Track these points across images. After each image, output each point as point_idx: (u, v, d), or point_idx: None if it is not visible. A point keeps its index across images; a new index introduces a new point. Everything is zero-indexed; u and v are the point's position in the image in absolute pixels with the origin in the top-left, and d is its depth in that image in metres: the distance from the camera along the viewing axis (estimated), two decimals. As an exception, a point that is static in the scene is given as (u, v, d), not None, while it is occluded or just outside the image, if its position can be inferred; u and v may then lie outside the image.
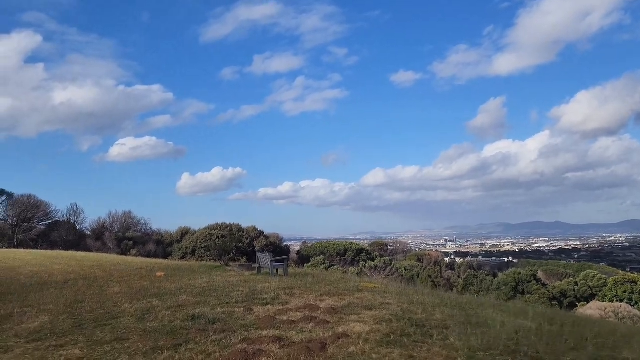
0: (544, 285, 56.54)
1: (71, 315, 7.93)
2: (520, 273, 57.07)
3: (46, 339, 6.16)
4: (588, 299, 51.34)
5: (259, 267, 15.94)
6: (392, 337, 5.71)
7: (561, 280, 59.01)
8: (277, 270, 14.75)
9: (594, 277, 54.29)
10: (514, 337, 5.64)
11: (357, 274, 41.40)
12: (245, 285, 11.77)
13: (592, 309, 40.33)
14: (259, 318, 7.07)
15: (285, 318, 7.04)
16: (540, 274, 58.70)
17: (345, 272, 42.15)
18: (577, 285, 53.60)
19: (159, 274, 15.45)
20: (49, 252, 29.32)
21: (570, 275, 60.65)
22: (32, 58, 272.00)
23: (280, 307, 8.03)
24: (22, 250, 31.64)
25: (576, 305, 50.04)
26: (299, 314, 7.33)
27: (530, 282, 55.92)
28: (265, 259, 15.30)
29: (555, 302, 51.55)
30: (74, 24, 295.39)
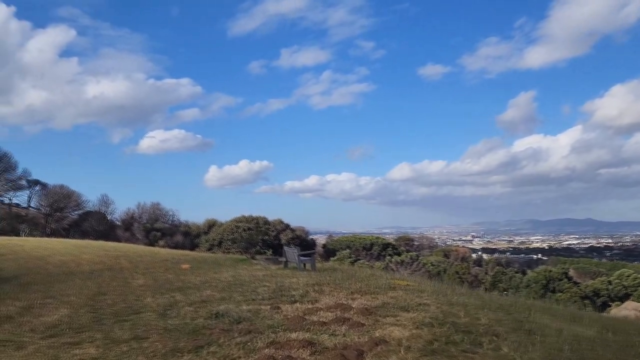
0: (575, 283, 54.72)
1: (92, 309, 7.60)
2: (551, 271, 55.38)
3: (62, 335, 5.77)
4: (622, 298, 49.35)
5: (286, 261, 15.48)
6: (436, 344, 5.10)
7: (593, 279, 56.99)
8: (304, 265, 14.26)
9: (629, 276, 52.15)
10: (577, 349, 4.95)
11: (383, 268, 40.73)
12: (272, 280, 11.33)
13: (627, 309, 38.67)
14: (287, 318, 6.55)
15: (315, 318, 6.49)
16: (571, 272, 56.73)
17: (372, 266, 41.56)
18: (611, 284, 51.59)
19: (184, 266, 15.18)
20: (80, 242, 29.56)
21: (603, 274, 58.48)
22: (66, 52, 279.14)
23: (310, 306, 7.49)
24: (53, 239, 32.00)
25: (609, 305, 48.23)
26: (329, 314, 6.77)
27: (562, 280, 54.17)
28: (292, 253, 14.81)
29: (587, 301, 49.82)
30: (106, 19, 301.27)
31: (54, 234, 43.34)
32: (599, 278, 55.10)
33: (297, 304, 7.68)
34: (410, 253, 53.64)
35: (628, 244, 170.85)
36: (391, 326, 5.92)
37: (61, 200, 47.69)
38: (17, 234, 38.78)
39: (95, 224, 45.77)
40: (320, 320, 6.33)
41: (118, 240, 39.34)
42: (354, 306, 7.31)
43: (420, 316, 6.51)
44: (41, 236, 38.97)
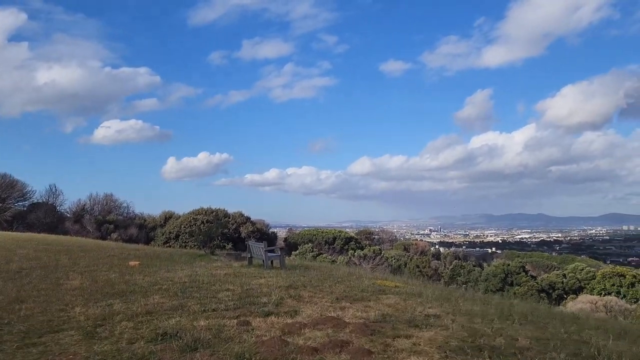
0: (532, 277, 55.73)
1: (-4, 325, 5.66)
2: (509, 265, 56.15)
3: None
4: (576, 291, 50.51)
5: (250, 257, 13.70)
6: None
7: (546, 272, 58.16)
8: (271, 262, 12.54)
9: (582, 269, 53.44)
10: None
11: (346, 263, 39.66)
12: (236, 281, 9.53)
13: (582, 302, 39.25)
14: (261, 340, 4.80)
15: (300, 341, 4.78)
16: (527, 266, 57.66)
17: (334, 261, 40.40)
18: (566, 277, 52.74)
19: (132, 263, 13.15)
20: (21, 235, 26.94)
21: (555, 267, 59.80)
22: (16, 36, 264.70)
23: (289, 320, 5.75)
24: (-12, 232, 29.12)
25: (564, 298, 49.21)
26: (318, 333, 5.06)
27: (520, 273, 55.07)
28: (258, 248, 13.02)
29: (543, 294, 50.76)
30: (59, 3, 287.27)
31: (-5, 226, 40.07)
32: (554, 272, 56.28)
33: (272, 317, 5.92)
34: (373, 247, 52.91)
35: (576, 238, 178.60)
36: (410, 355, 4.32)
37: (3, 190, 44.15)
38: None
39: (42, 216, 42.53)
40: (309, 344, 4.59)
41: (67, 233, 36.95)
42: (347, 320, 5.64)
43: (440, 336, 4.96)
44: (-19, 229, 35.87)
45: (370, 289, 8.43)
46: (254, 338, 4.88)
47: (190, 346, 4.52)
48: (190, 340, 4.64)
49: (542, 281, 53.85)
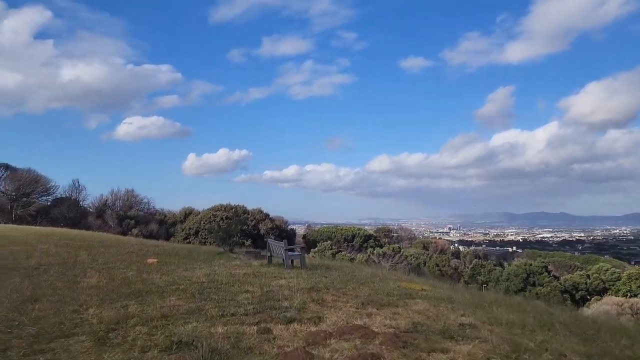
0: (555, 277, 54.47)
1: (5, 327, 5.40)
2: (531, 264, 55.03)
3: None
4: (601, 292, 49.28)
5: (270, 256, 13.36)
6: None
7: (569, 273, 56.84)
8: (292, 261, 12.17)
9: (606, 270, 52.08)
10: None
11: (365, 261, 39.24)
12: (256, 281, 9.18)
13: (607, 304, 38.10)
14: (283, 352, 4.39)
15: (327, 355, 4.36)
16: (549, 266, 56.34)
17: (353, 259, 39.99)
18: (590, 278, 51.52)
19: (150, 260, 12.95)
20: (43, 229, 27.30)
21: (578, 268, 58.44)
22: (41, 34, 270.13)
23: (313, 328, 5.35)
24: (12, 226, 29.66)
25: (588, 299, 47.95)
26: (345, 345, 4.62)
27: (542, 274, 53.97)
28: (278, 247, 12.66)
29: (567, 295, 49.54)
30: (84, 1, 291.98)
31: (19, 220, 40.89)
32: (578, 272, 54.98)
33: (295, 324, 5.52)
34: (393, 245, 52.39)
35: (599, 237, 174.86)
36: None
37: (28, 184, 45.00)
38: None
39: (66, 211, 43.17)
40: (335, 359, 4.23)
41: (89, 228, 37.37)
42: (375, 329, 5.20)
43: (479, 350, 4.50)
44: (6, 222, 36.46)
45: (396, 293, 8.02)
46: (275, 349, 4.49)
47: (207, 358, 4.16)
48: (206, 351, 4.28)
49: (565, 282, 52.65)
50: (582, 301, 47.01)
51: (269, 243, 13.61)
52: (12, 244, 16.37)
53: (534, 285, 51.48)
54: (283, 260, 12.26)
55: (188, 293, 7.80)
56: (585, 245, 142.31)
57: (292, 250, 12.95)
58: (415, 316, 6.13)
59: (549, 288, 50.68)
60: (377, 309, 6.67)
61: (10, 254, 13.30)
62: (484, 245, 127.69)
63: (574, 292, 50.81)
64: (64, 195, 47.37)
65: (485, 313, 6.39)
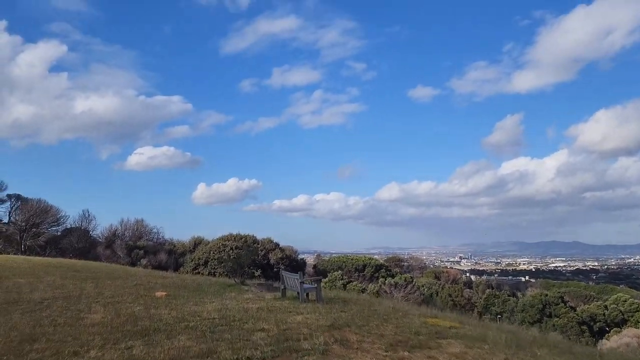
0: (572, 308, 53.21)
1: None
2: (547, 295, 53.90)
3: None
4: (619, 324, 48.01)
5: (284, 289, 13.12)
6: None
7: (585, 303, 55.54)
8: (307, 294, 11.92)
9: (625, 301, 50.88)
10: None
11: (377, 291, 38.59)
12: (271, 317, 8.86)
13: (628, 336, 36.97)
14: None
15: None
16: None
17: (364, 289, 39.34)
18: (607, 309, 50.33)
19: (158, 293, 12.74)
20: (50, 260, 27.11)
21: (594, 298, 57.15)
22: (56, 67, 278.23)
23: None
24: (20, 257, 29.54)
25: (607, 331, 46.61)
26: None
27: (558, 304, 52.84)
28: (293, 280, 12.42)
29: (584, 327, 48.22)
30: (98, 35, 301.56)
31: (29, 251, 40.79)
32: (595, 303, 53.74)
33: (319, 374, 5.18)
34: (405, 275, 51.63)
35: (613, 267, 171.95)
36: None
37: (38, 215, 45.08)
38: (-11, 251, 36.24)
39: (75, 241, 43.09)
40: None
41: (98, 258, 37.17)
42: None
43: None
44: (15, 253, 36.37)
45: (425, 331, 7.66)
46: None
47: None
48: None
49: (582, 313, 51.38)
50: (601, 333, 45.78)
51: (282, 275, 13.37)
52: (18, 275, 16.30)
53: (550, 316, 50.24)
54: (298, 293, 12.02)
55: (198, 331, 7.46)
56: (600, 274, 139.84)
57: (305, 282, 12.71)
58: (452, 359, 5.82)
59: (566, 319, 49.43)
60: (409, 352, 6.19)
61: (14, 287, 13.21)
62: (496, 275, 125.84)
63: (591, 323, 49.51)
64: (73, 226, 47.42)
65: (528, 356, 6.02)
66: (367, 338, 7.05)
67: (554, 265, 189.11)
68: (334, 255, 70.78)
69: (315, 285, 12.39)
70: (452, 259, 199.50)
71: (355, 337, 7.05)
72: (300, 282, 11.87)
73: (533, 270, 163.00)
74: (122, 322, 8.23)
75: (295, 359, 5.75)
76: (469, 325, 8.58)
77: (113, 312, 9.30)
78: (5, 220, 45.73)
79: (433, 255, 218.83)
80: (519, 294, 65.94)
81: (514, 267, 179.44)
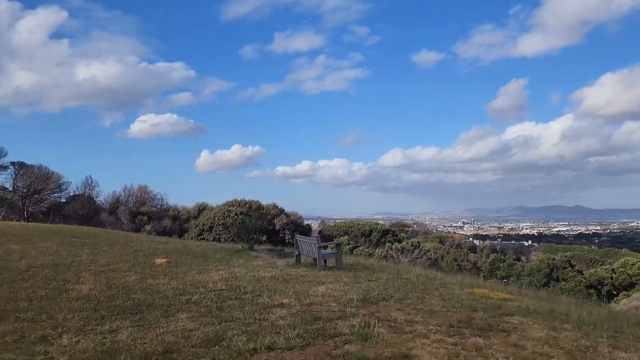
0: (579, 272, 53.00)
1: None
2: (554, 259, 53.63)
3: None
4: (627, 287, 47.71)
5: (298, 255, 12.04)
6: None
7: (589, 267, 55.14)
8: (324, 260, 10.81)
9: (633, 264, 50.41)
10: None
11: (384, 256, 37.94)
12: (288, 288, 7.70)
13: (637, 299, 36.47)
14: None
15: None
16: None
17: (372, 254, 38.66)
18: (615, 273, 50.01)
19: (158, 260, 11.68)
20: (50, 226, 26.33)
21: (598, 262, 56.70)
22: (57, 34, 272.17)
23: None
24: (20, 223, 28.78)
25: (614, 294, 46.33)
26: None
27: (566, 268, 52.74)
28: (309, 244, 11.29)
29: (592, 291, 48.00)
30: (98, 1, 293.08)
31: (31, 217, 40.25)
32: (602, 266, 53.39)
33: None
34: (412, 240, 50.90)
35: (616, 231, 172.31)
36: None
37: (39, 181, 44.21)
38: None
39: (79, 207, 42.45)
40: None
41: (102, 224, 36.76)
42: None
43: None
44: (18, 220, 35.78)
45: (480, 306, 6.44)
46: None
47: None
48: None
49: (590, 276, 51.16)
50: (609, 296, 45.38)
51: (297, 239, 12.23)
52: (13, 242, 15.40)
53: (557, 280, 50.03)
54: (315, 259, 10.93)
55: (202, 307, 6.23)
56: (603, 238, 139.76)
57: (325, 247, 11.61)
58: (548, 350, 4.39)
59: (574, 283, 49.30)
60: (483, 338, 4.74)
61: (4, 254, 12.25)
62: (499, 239, 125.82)
63: (599, 287, 49.33)
64: (77, 192, 46.70)
65: (630, 338, 4.78)
66: (415, 315, 5.71)
67: (556, 229, 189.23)
68: (338, 220, 70.16)
69: (335, 250, 11.26)
70: (454, 224, 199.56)
71: (401, 315, 5.72)
72: (318, 247, 10.71)
73: (536, 234, 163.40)
74: (111, 295, 7.08)
75: (333, 348, 4.39)
76: (526, 297, 7.38)
77: (104, 282, 8.18)
78: (9, 187, 45.04)
79: (436, 220, 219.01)
80: (523, 258, 65.75)
81: (516, 232, 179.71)
